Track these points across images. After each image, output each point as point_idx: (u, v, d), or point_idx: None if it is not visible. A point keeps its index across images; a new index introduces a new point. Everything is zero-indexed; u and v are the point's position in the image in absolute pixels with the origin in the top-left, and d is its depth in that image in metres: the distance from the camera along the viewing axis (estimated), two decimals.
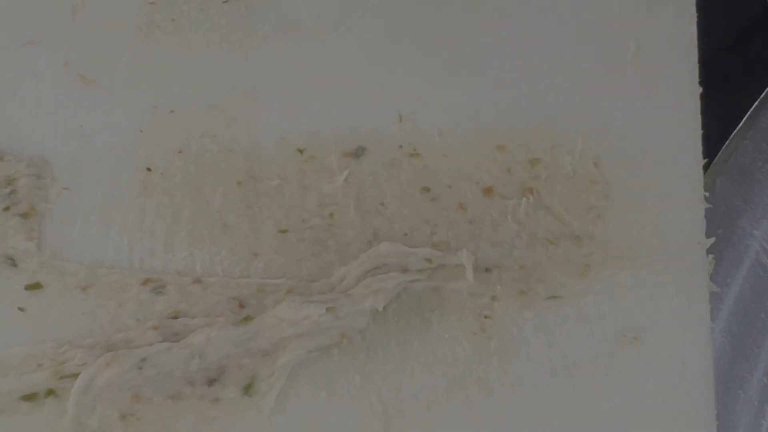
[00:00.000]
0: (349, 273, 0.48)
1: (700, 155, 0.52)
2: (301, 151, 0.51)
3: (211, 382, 0.46)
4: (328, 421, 0.46)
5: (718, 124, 0.56)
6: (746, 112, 0.61)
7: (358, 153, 0.51)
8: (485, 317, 0.48)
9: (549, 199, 0.51)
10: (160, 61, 0.53)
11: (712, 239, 0.50)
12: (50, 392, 0.46)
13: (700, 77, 0.54)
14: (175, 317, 0.47)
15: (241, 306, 0.48)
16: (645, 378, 0.47)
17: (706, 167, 0.52)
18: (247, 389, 0.46)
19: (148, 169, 0.51)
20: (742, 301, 0.55)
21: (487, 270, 0.49)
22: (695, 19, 0.55)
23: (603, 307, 0.48)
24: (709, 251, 0.50)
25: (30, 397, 0.45)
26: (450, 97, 0.53)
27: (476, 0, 0.55)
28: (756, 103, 0.61)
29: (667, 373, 0.47)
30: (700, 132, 0.52)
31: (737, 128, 0.60)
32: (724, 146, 0.59)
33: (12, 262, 0.48)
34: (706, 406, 0.47)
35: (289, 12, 0.55)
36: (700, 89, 0.53)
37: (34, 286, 0.47)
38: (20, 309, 0.47)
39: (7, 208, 0.49)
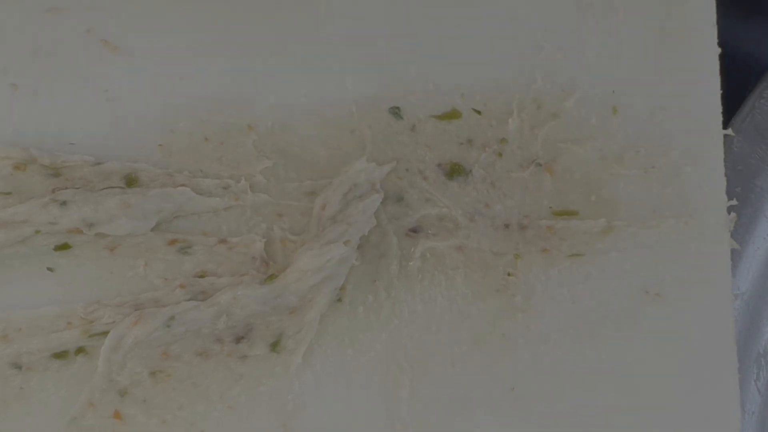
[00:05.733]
0: (330, 199, 0.49)
1: (720, 115, 0.52)
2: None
3: (238, 340, 0.47)
4: (354, 377, 0.47)
5: (735, 85, 0.56)
6: (763, 73, 0.61)
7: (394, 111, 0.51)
8: (509, 275, 0.49)
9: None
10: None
11: (733, 200, 0.50)
12: (80, 350, 0.46)
13: (718, 38, 0.54)
14: (202, 276, 0.48)
15: (266, 264, 0.48)
16: (667, 333, 0.48)
17: (724, 127, 0.52)
18: (275, 346, 0.47)
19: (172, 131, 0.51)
20: (759, 257, 0.55)
21: (507, 226, 0.49)
22: None
23: (625, 264, 0.49)
24: (728, 209, 0.50)
25: (61, 355, 0.46)
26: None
27: None
28: None
29: (689, 328, 0.48)
30: (719, 92, 0.53)
31: (754, 88, 0.60)
32: (742, 106, 0.59)
33: None
34: (727, 360, 0.47)
35: None
36: (719, 50, 0.53)
37: (63, 247, 0.48)
38: (49, 269, 0.48)
39: None
